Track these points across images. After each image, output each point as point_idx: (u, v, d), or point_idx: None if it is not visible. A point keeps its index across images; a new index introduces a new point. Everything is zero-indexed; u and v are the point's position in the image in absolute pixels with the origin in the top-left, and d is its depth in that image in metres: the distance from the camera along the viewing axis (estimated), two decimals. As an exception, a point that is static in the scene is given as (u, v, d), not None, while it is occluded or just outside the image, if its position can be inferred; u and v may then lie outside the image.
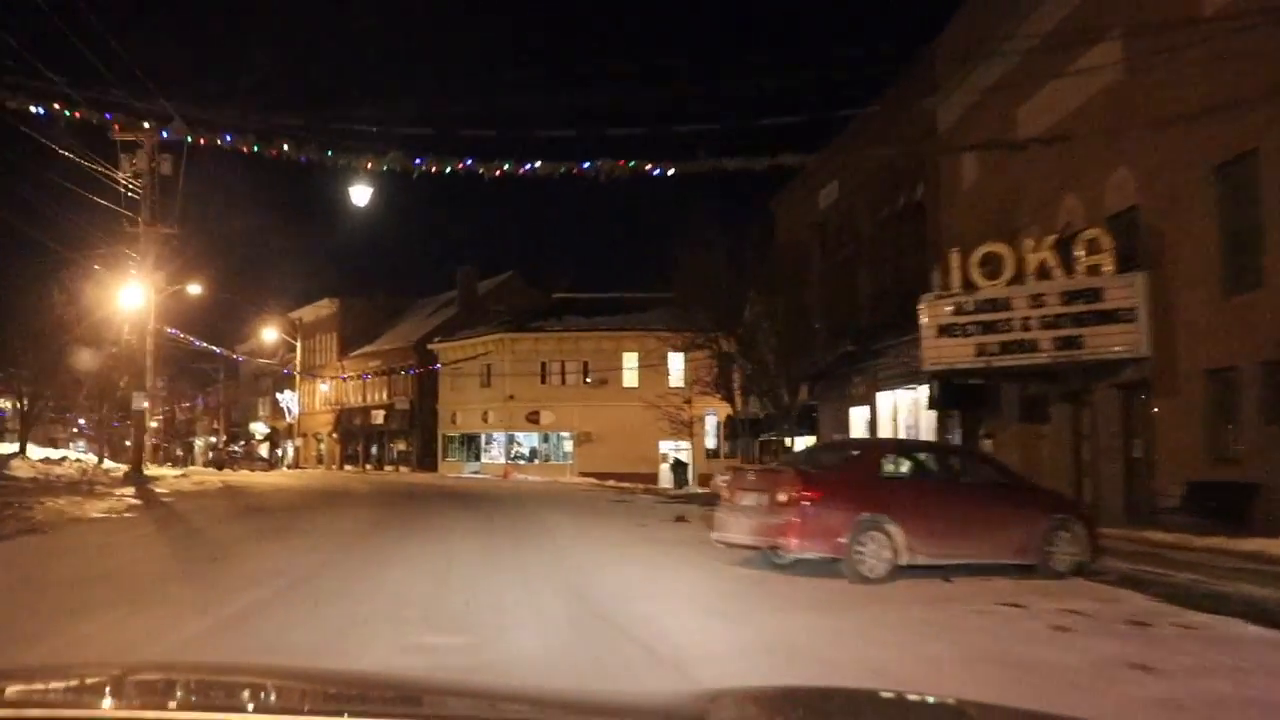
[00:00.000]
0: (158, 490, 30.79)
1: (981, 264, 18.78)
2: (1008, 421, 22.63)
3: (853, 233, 34.23)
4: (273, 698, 2.13)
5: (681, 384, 60.86)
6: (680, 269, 39.31)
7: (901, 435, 30.76)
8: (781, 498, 11.32)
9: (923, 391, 28.89)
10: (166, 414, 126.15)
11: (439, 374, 67.89)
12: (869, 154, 30.35)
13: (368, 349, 78.44)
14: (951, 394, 23.80)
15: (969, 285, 18.94)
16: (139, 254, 42.19)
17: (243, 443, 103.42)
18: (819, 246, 37.38)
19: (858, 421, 34.67)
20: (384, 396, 75.78)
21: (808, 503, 11.14)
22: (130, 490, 28.55)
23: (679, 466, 48.21)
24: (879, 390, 31.63)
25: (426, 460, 69.69)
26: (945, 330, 18.91)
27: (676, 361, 61.20)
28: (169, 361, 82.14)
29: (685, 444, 61.32)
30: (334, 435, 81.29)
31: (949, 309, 18.97)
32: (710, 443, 42.92)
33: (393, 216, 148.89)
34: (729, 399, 40.23)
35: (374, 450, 78.17)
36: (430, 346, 68.28)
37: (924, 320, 19.45)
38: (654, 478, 59.93)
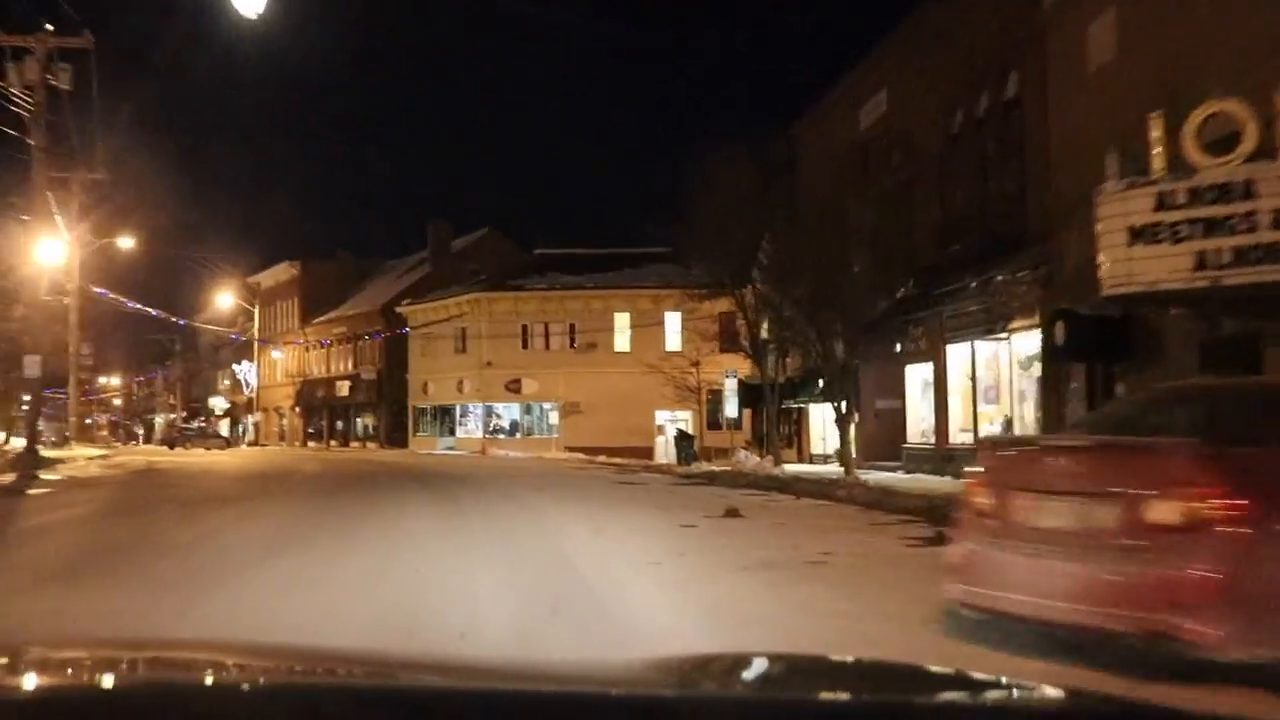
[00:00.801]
0: (43, 477, 24.31)
1: (1200, 133, 12.45)
2: (1168, 375, 16.11)
3: (909, 152, 27.87)
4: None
5: (679, 348, 54.64)
6: (690, 204, 32.86)
7: (982, 398, 24.53)
8: (1209, 514, 4.79)
9: (1015, 342, 22.66)
10: (124, 389, 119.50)
11: (409, 340, 61.36)
12: (941, 46, 23.99)
13: (332, 315, 71.78)
14: (1085, 337, 17.56)
15: (1177, 168, 12.60)
16: (57, 200, 35.55)
17: (202, 419, 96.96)
18: (859, 173, 30.98)
19: (914, 383, 28.46)
20: (349, 366, 69.18)
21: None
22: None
23: (684, 439, 41.99)
24: (949, 342, 25.39)
25: (396, 435, 63.23)
26: (1141, 234, 12.59)
27: (674, 322, 54.93)
28: (116, 330, 75.40)
29: (684, 414, 55.12)
30: (296, 409, 74.65)
31: (1148, 202, 12.63)
32: (730, 409, 36.51)
33: (360, 173, 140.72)
34: (757, 357, 33.70)
35: (338, 425, 71.58)
36: (399, 310, 61.67)
37: (1103, 224, 13.11)
38: (649, 452, 53.70)
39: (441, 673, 2.16)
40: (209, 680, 1.94)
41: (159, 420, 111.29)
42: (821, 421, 36.49)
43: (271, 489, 23.32)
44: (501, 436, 55.83)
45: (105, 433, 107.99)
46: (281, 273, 78.70)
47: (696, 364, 43.40)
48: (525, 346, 55.22)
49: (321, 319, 72.47)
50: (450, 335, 57.88)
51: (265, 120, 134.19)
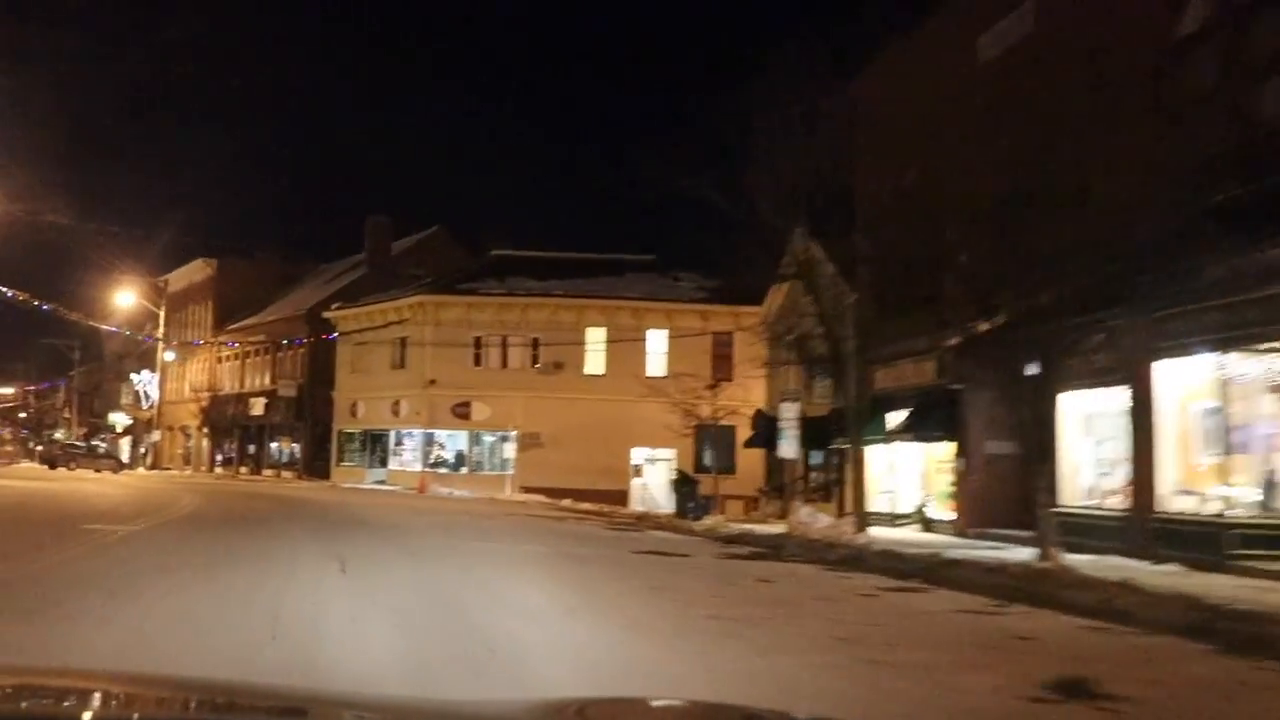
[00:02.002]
0: None
1: None
2: None
3: (1074, 80, 18.97)
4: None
5: (663, 372, 45.50)
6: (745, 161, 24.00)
7: (1217, 443, 15.60)
8: None
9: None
10: (17, 399, 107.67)
11: (337, 350, 51.61)
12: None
13: (249, 321, 61.74)
14: None
15: None
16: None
17: (101, 437, 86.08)
18: (978, 121, 22.08)
19: (1072, 417, 19.55)
20: (266, 381, 59.17)
21: None
22: None
23: (685, 484, 32.63)
24: (1162, 356, 16.50)
25: (317, 464, 53.27)
26: None
27: (658, 342, 45.83)
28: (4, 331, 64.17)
29: (665, 452, 45.90)
30: (203, 429, 64.30)
31: None
32: (788, 449, 27.24)
33: (292, 165, 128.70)
34: (837, 369, 24.47)
35: (250, 449, 61.35)
36: (327, 315, 51.90)
37: None
38: (622, 497, 44.47)
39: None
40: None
41: (58, 437, 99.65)
42: (888, 467, 27.45)
43: (91, 536, 13.82)
44: (444, 471, 46.17)
45: (9, 448, 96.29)
46: (195, 271, 68.59)
47: (715, 385, 34.32)
48: (477, 363, 45.75)
49: (237, 325, 62.41)
50: (387, 346, 48.26)
51: (183, 95, 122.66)
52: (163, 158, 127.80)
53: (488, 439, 46.08)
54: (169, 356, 65.65)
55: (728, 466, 45.36)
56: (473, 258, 53.25)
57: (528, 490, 43.79)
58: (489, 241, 51.96)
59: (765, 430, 34.60)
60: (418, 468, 46.54)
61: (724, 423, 45.36)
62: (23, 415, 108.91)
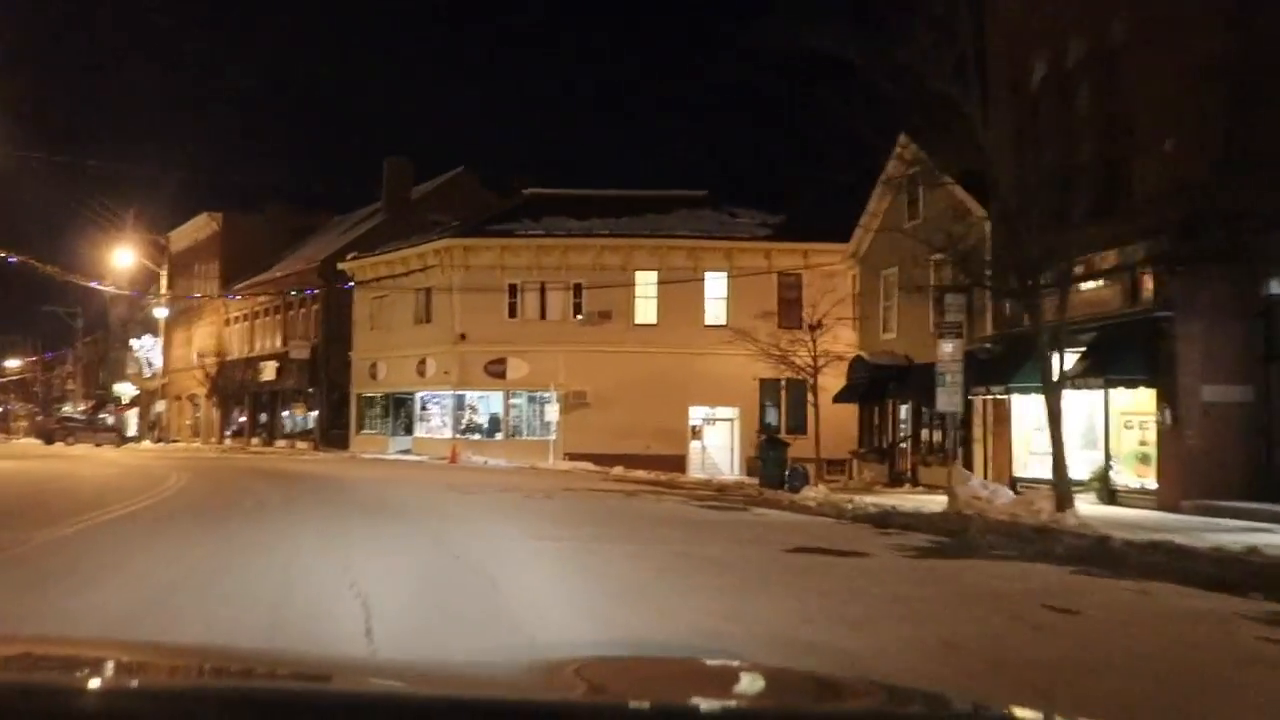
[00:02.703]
0: None
1: None
2: None
3: None
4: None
5: (722, 319, 40.12)
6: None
7: None
8: None
9: None
10: (26, 372, 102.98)
11: (353, 304, 46.34)
12: None
13: (258, 279, 56.46)
14: None
15: None
16: None
17: (109, 409, 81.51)
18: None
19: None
20: (276, 343, 53.99)
21: None
22: None
23: (774, 448, 27.15)
24: None
25: (334, 433, 48.14)
26: None
27: (717, 285, 40.43)
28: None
29: (727, 411, 40.62)
30: (211, 398, 59.21)
31: None
32: (949, 401, 21.46)
33: (304, 110, 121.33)
34: (1023, 287, 18.65)
35: (262, 418, 56.28)
36: (342, 265, 46.56)
37: None
38: (679, 462, 39.22)
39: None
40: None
41: (68, 410, 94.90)
42: (1037, 420, 21.91)
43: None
44: (476, 437, 40.94)
45: (24, 424, 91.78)
46: (199, 228, 63.35)
47: (818, 325, 29.14)
48: (513, 315, 40.36)
49: (245, 284, 57.17)
50: (410, 298, 42.93)
51: (188, 40, 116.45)
52: (163, 106, 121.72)
53: (525, 400, 40.77)
54: (160, 314, 60.52)
55: (797, 425, 40.07)
56: (501, 201, 47.80)
57: (572, 457, 38.58)
58: (519, 183, 46.39)
59: (865, 380, 29.17)
60: (447, 434, 41.31)
61: (793, 376, 40.05)
62: (36, 389, 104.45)
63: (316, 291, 48.79)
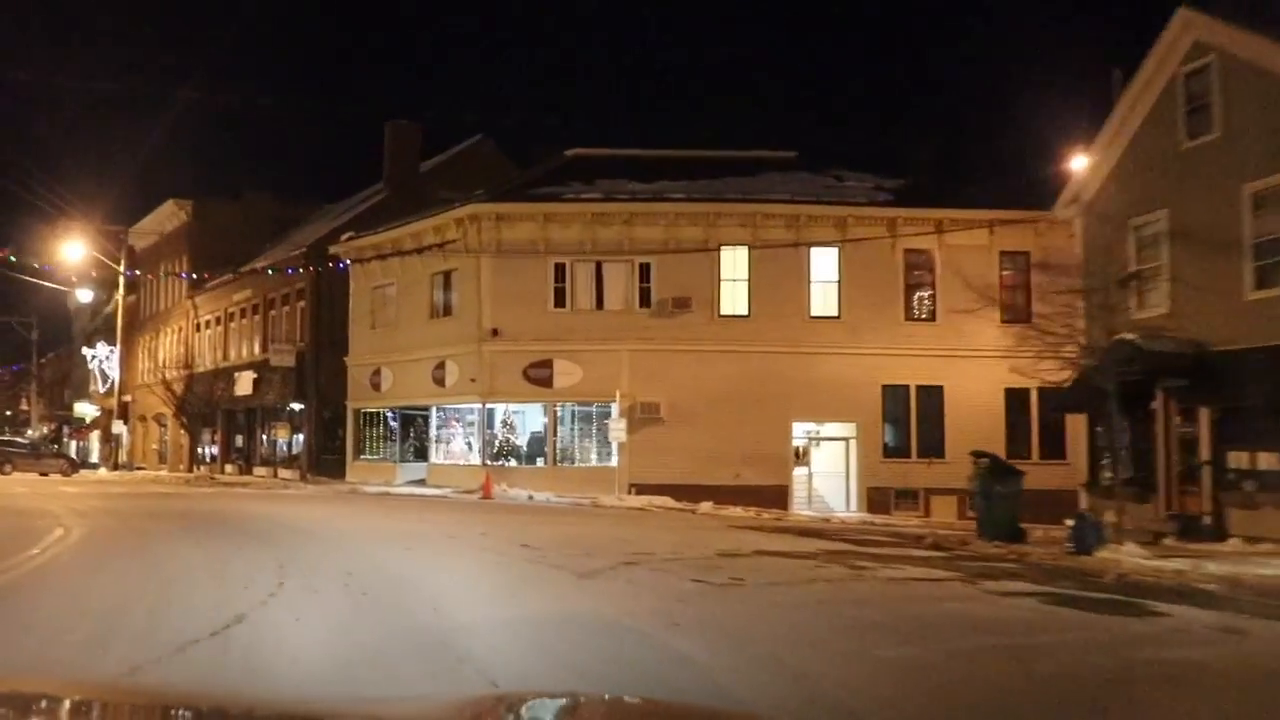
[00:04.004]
0: None
1: None
2: None
3: None
4: None
5: (834, 311, 30.99)
6: None
7: None
8: None
9: None
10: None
11: (351, 300, 36.90)
12: None
13: (236, 277, 46.86)
14: None
15: None
16: None
17: (67, 431, 72.12)
18: None
19: None
20: (255, 349, 44.47)
21: None
22: None
23: (1001, 477, 17.58)
24: None
25: (327, 459, 38.58)
26: None
27: (826, 264, 31.23)
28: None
29: (841, 427, 31.30)
30: (180, 417, 49.41)
31: None
32: None
33: (291, 85, 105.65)
34: None
35: (238, 440, 46.62)
36: (336, 249, 37.11)
37: None
38: (780, 495, 29.94)
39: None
40: None
41: (32, 435, 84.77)
42: None
43: None
44: (513, 464, 31.41)
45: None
46: (165, 219, 53.81)
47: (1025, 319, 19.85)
48: (560, 304, 30.93)
49: (217, 282, 47.60)
50: (424, 286, 33.51)
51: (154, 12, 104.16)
52: (126, 77, 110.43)
53: (577, 415, 31.25)
54: (84, 297, 50.96)
55: (933, 447, 30.80)
56: (524, 175, 38.39)
57: (641, 490, 29.27)
58: (550, 152, 37.02)
59: (1135, 371, 19.71)
60: (474, 460, 31.78)
61: (926, 382, 30.78)
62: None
63: (301, 278, 39.24)
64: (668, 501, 28.06)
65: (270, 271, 39.79)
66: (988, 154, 29.46)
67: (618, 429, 28.92)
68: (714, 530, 19.83)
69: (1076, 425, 23.71)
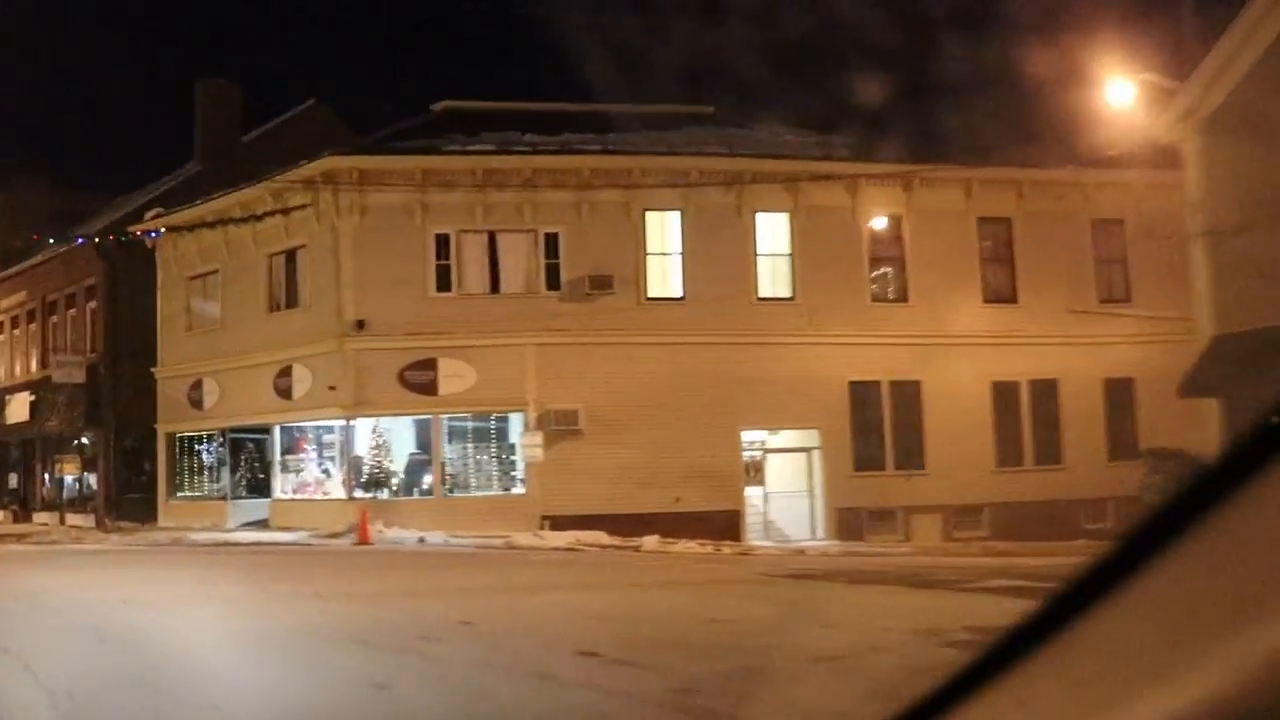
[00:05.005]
0: None
1: None
2: None
3: None
4: None
5: (788, 292, 25.27)
6: None
7: None
8: None
9: None
10: None
11: (159, 295, 29.06)
12: None
13: (5, 277, 37.87)
14: None
15: None
16: None
17: None
18: None
19: None
20: (31, 366, 35.74)
21: None
22: None
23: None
24: None
25: (132, 499, 30.41)
26: None
27: (775, 232, 25.34)
28: None
29: (798, 434, 25.56)
30: (-64, 455, 39.76)
31: None
32: None
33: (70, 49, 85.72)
34: None
35: (12, 481, 37.57)
36: (136, 229, 29.16)
37: None
38: (731, 522, 24.01)
39: None
40: None
41: None
42: None
43: None
44: (385, 496, 24.18)
45: None
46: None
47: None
48: (444, 287, 24.02)
49: (-18, 285, 38.52)
50: (258, 270, 26.05)
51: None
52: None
53: (471, 430, 24.38)
54: None
55: (911, 457, 25.34)
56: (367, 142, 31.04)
57: (557, 523, 22.77)
58: (412, 110, 29.95)
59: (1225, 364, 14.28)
60: (336, 492, 24.49)
61: (900, 376, 25.38)
62: None
63: (91, 270, 31.15)
64: (599, 537, 21.64)
65: (64, 296, 31.33)
66: (955, 105, 23.71)
67: (532, 445, 22.27)
68: (731, 586, 13.53)
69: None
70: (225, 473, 27.35)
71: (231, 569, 15.31)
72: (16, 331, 37.05)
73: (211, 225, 25.95)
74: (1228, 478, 0.91)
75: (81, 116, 79.22)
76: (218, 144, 33.64)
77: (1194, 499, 0.93)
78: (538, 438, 22.34)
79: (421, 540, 21.03)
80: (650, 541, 21.20)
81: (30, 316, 36.16)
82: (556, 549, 20.52)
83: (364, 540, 20.70)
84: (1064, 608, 0.97)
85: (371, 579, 13.65)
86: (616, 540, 21.46)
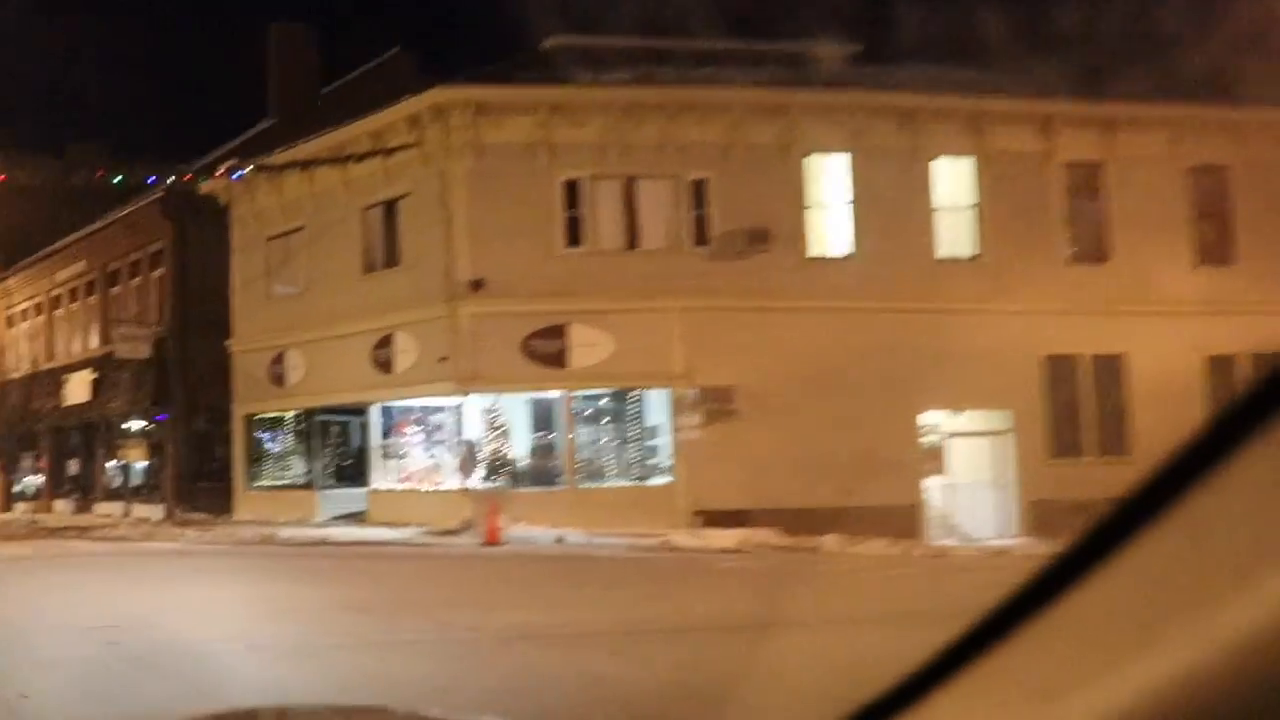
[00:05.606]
0: None
1: None
2: None
3: None
4: None
5: (972, 247, 21.54)
6: None
7: None
8: None
9: None
10: None
11: (232, 258, 25.82)
12: None
13: (63, 246, 34.79)
14: None
15: None
16: None
17: None
18: None
19: None
20: (91, 342, 32.69)
21: None
22: None
23: None
24: None
25: (204, 488, 27.19)
26: None
27: (956, 181, 21.52)
28: None
29: (987, 416, 21.89)
30: (-11, 441, 36.83)
31: None
32: None
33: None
34: None
35: (71, 466, 34.54)
36: (209, 186, 25.92)
37: None
38: (909, 517, 20.40)
39: None
40: None
41: None
42: None
43: None
44: (498, 484, 20.64)
45: None
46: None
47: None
48: (574, 241, 20.53)
49: (36, 257, 35.58)
50: (352, 224, 22.66)
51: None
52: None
53: (605, 409, 20.88)
54: None
55: (1112, 441, 21.56)
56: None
57: (710, 518, 19.28)
58: (496, 61, 26.31)
59: None
60: (447, 482, 21.02)
61: (1101, 350, 21.62)
62: None
63: (158, 233, 28.02)
64: (769, 536, 18.10)
65: (128, 263, 28.07)
66: (1163, 39, 19.58)
67: (688, 427, 18.73)
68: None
69: None
70: (312, 459, 23.99)
71: (364, 580, 11.84)
72: (75, 305, 33.97)
73: (303, 166, 22.39)
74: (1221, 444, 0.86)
75: (146, 76, 75.04)
76: (293, 95, 30.31)
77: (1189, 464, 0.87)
78: (695, 418, 18.80)
79: (560, 540, 17.56)
80: (830, 541, 17.67)
81: (89, 288, 33.07)
82: (725, 551, 17.03)
83: (492, 540, 17.25)
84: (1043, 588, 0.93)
85: (575, 601, 10.14)
86: (789, 540, 17.96)
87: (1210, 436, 0.85)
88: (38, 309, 36.41)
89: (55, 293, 35.18)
